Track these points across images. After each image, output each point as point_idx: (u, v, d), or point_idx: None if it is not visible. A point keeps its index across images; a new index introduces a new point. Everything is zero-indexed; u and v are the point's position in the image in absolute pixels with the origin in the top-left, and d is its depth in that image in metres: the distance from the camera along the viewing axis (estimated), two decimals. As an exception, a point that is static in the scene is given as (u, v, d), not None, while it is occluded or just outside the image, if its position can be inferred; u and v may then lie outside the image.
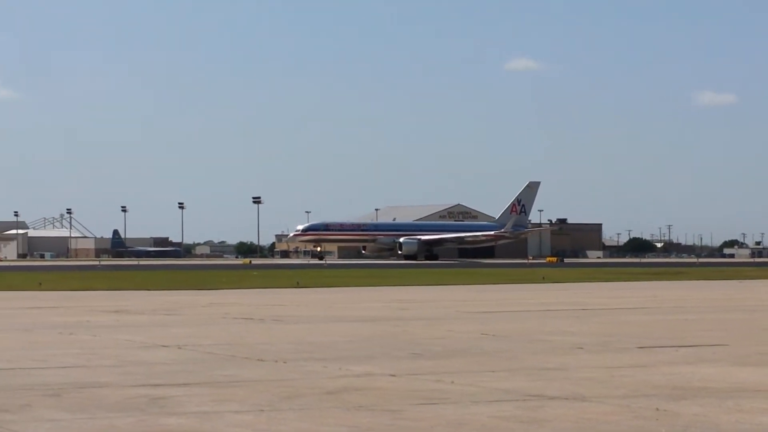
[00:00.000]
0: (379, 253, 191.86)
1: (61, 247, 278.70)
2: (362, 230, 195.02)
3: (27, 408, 14.50)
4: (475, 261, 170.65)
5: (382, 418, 13.60)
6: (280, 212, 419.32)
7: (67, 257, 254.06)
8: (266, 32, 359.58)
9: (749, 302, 43.34)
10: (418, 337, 25.43)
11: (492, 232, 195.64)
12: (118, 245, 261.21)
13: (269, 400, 15.11)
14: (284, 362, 19.89)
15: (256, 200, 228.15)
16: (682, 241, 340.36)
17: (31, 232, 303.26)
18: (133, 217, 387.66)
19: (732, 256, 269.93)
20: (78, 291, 54.31)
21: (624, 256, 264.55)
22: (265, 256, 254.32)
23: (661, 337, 25.65)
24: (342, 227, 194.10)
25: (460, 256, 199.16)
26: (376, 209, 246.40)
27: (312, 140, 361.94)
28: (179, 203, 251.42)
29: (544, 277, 74.72)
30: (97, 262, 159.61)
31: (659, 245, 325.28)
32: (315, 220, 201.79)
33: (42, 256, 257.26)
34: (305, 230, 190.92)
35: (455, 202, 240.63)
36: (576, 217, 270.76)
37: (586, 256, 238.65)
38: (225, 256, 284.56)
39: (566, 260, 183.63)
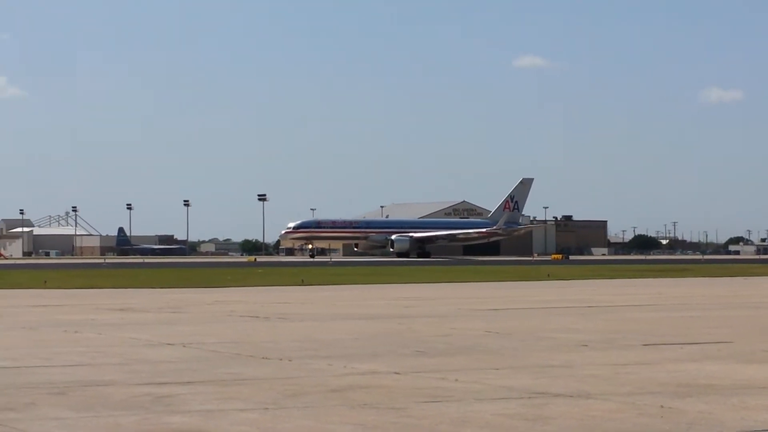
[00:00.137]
0: (371, 250, 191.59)
1: (66, 245, 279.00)
2: (354, 228, 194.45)
3: (32, 406, 14.51)
4: (468, 258, 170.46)
5: (386, 416, 13.60)
6: (286, 210, 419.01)
7: (73, 255, 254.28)
8: (277, 29, 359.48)
9: (755, 299, 43.29)
10: (422, 335, 25.42)
11: (484, 230, 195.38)
12: (123, 243, 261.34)
13: (274, 398, 15.11)
14: (289, 360, 19.89)
15: (262, 198, 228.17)
16: (688, 238, 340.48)
17: (37, 230, 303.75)
18: (139, 215, 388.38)
19: (737, 253, 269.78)
20: (83, 289, 54.34)
21: (629, 253, 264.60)
22: (270, 254, 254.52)
23: (666, 334, 25.62)
24: (334, 224, 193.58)
25: (465, 254, 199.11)
26: (382, 206, 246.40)
27: (318, 138, 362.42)
28: (184, 201, 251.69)
29: (549, 275, 74.67)
30: (102, 260, 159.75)
31: (664, 242, 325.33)
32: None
33: (47, 254, 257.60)
34: (296, 227, 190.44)
35: (461, 199, 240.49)
36: (581, 214, 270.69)
37: (591, 254, 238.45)
38: (230, 253, 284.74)
39: (571, 257, 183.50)
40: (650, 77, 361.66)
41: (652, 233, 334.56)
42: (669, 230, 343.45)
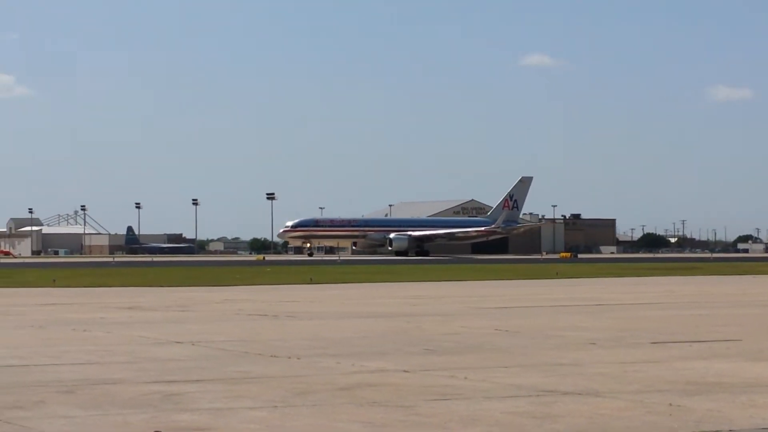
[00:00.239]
0: (370, 249, 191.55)
1: (75, 243, 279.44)
2: (352, 226, 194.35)
3: (41, 404, 14.53)
4: (470, 257, 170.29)
5: (395, 414, 13.60)
6: (294, 208, 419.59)
7: (81, 254, 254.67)
8: (278, 29, 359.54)
9: (763, 297, 43.21)
10: (431, 333, 25.42)
11: (483, 228, 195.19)
12: (132, 242, 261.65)
13: (282, 396, 15.12)
14: (297, 358, 19.90)
15: (270, 196, 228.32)
16: (696, 237, 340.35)
17: (46, 229, 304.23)
18: (147, 213, 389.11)
19: (746, 251, 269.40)
20: (92, 287, 54.40)
21: (638, 252, 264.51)
22: (278, 252, 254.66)
23: (675, 332, 25.60)
24: (332, 223, 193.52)
25: (473, 252, 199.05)
26: (390, 205, 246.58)
27: (326, 136, 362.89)
28: (193, 200, 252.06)
29: (558, 273, 74.61)
30: (111, 259, 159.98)
31: (673, 240, 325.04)
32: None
33: (56, 253, 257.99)
34: (294, 226, 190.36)
35: (469, 198, 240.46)
36: (590, 212, 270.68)
37: (599, 252, 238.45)
38: (239, 252, 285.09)
39: (580, 256, 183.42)
40: (659, 75, 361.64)
41: (660, 232, 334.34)
42: (678, 229, 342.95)
